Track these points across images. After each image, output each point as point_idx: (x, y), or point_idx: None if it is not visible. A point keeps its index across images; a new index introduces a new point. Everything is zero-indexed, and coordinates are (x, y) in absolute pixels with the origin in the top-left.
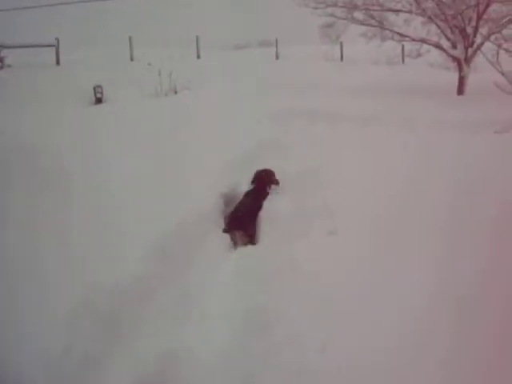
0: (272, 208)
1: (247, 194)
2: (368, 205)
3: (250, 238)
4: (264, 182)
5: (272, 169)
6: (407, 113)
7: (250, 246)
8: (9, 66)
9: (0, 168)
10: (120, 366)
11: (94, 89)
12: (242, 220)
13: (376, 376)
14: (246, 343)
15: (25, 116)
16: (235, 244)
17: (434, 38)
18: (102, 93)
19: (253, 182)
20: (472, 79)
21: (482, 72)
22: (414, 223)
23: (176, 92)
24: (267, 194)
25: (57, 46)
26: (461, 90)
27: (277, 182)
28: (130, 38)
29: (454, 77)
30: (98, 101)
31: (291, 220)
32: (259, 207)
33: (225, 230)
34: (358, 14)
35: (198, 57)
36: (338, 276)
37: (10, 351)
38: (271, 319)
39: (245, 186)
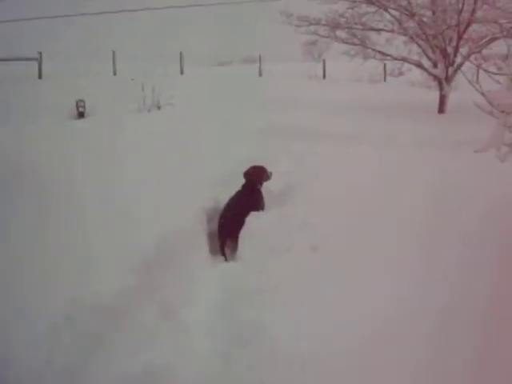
0: (254, 223)
1: (237, 193)
2: (348, 220)
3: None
4: (253, 178)
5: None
6: (388, 130)
7: (231, 263)
8: None
9: None
10: (100, 380)
11: (77, 103)
12: (230, 226)
13: None
14: (228, 359)
15: (4, 129)
16: (224, 254)
17: (416, 57)
18: (84, 107)
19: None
20: (453, 98)
21: (462, 91)
22: (393, 238)
23: (159, 107)
24: (258, 190)
25: (39, 60)
26: (442, 109)
27: (268, 177)
28: (114, 53)
29: (435, 95)
30: (81, 115)
31: (274, 235)
32: (250, 206)
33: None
34: (341, 33)
35: (182, 72)
36: (321, 291)
37: None
38: (254, 335)
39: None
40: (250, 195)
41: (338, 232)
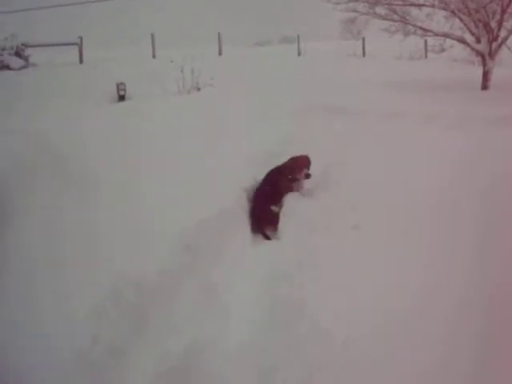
0: (295, 203)
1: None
2: (391, 200)
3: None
4: (292, 168)
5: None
6: (430, 108)
7: (273, 241)
8: (33, 64)
9: (24, 167)
10: (145, 358)
11: (117, 86)
12: (262, 218)
13: (398, 372)
14: (269, 336)
15: (48, 114)
16: (264, 233)
17: (458, 33)
18: (124, 90)
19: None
20: (496, 74)
21: (506, 67)
22: (437, 219)
23: (199, 89)
24: (290, 184)
25: (80, 45)
26: (485, 85)
27: (306, 175)
28: (153, 36)
29: (478, 72)
30: (121, 98)
31: (315, 215)
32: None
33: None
34: (380, 9)
35: (220, 54)
36: (363, 269)
37: (37, 341)
38: (295, 313)
39: None
40: (272, 184)
41: (381, 211)
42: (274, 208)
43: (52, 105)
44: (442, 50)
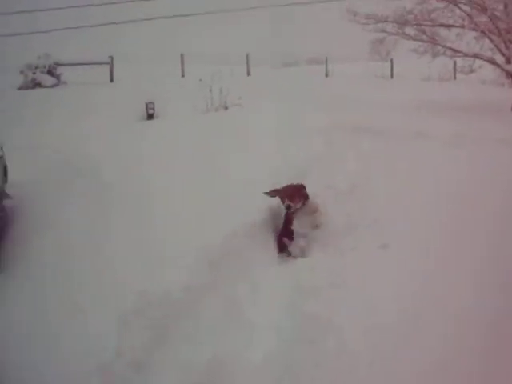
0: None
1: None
2: (419, 218)
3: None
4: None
5: (303, 184)
6: (458, 128)
7: (299, 260)
8: (64, 83)
9: (57, 182)
10: (166, 373)
11: (147, 105)
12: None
13: None
14: (295, 353)
15: (77, 131)
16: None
17: (488, 54)
18: (153, 109)
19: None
20: None
21: None
22: (465, 237)
23: (226, 108)
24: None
25: (111, 64)
26: None
27: (300, 201)
28: (182, 55)
29: (508, 93)
30: (150, 117)
31: (342, 233)
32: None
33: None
34: (410, 30)
35: (248, 74)
36: (390, 288)
37: (62, 354)
38: (321, 331)
39: None
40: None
41: (408, 230)
42: (285, 241)
43: (81, 123)
44: (472, 71)
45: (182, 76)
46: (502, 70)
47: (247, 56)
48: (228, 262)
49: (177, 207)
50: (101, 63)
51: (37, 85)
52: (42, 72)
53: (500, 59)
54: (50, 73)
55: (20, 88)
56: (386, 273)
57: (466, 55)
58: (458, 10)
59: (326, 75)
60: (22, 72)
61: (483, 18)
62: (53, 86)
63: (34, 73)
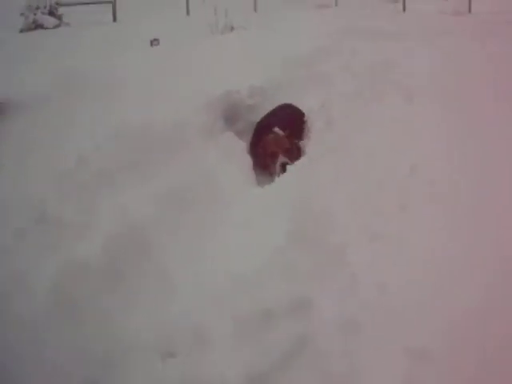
0: None
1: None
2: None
3: None
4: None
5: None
6: None
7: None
8: (67, 23)
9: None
10: None
11: (151, 42)
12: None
13: None
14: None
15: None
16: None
17: None
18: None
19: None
20: None
21: None
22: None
23: (232, 29)
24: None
25: (113, 2)
26: None
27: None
28: None
29: None
30: None
31: None
32: None
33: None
34: None
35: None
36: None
37: None
38: None
39: None
40: None
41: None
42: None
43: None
44: None
45: (187, 14)
46: None
47: None
48: None
49: None
50: (103, 2)
51: (38, 26)
52: (42, 13)
53: None
54: (52, 13)
55: (21, 30)
56: None
57: None
58: None
59: (336, 4)
60: (22, 14)
61: None
62: (55, 27)
63: (35, 14)
